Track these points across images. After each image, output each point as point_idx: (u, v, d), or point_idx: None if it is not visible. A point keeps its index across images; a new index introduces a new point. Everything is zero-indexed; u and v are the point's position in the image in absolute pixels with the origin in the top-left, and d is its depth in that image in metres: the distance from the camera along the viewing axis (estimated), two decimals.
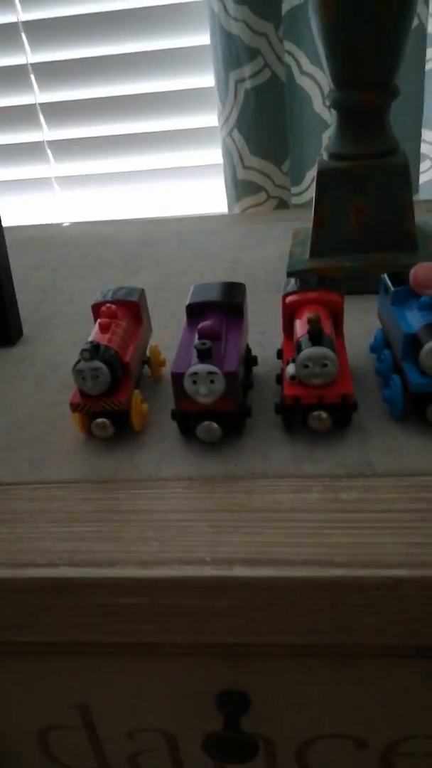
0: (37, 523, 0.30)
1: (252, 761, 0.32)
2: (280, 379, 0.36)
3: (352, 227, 0.47)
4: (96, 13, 0.73)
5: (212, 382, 0.31)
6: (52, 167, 0.84)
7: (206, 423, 0.32)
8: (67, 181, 0.84)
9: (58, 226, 0.79)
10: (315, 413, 0.32)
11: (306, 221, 0.51)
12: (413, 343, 0.31)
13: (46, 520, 0.30)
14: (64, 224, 0.85)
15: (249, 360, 0.38)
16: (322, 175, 0.46)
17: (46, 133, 0.81)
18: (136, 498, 0.30)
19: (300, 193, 0.74)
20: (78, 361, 0.32)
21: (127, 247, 0.65)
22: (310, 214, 0.49)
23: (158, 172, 0.82)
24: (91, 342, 0.33)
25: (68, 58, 0.76)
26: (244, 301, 0.37)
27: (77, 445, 0.34)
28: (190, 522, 0.29)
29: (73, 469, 0.33)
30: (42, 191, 0.85)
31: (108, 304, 0.36)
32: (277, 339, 0.43)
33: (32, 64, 0.77)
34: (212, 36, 0.67)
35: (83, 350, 0.32)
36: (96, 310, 0.37)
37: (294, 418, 0.33)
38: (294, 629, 0.27)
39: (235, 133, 0.70)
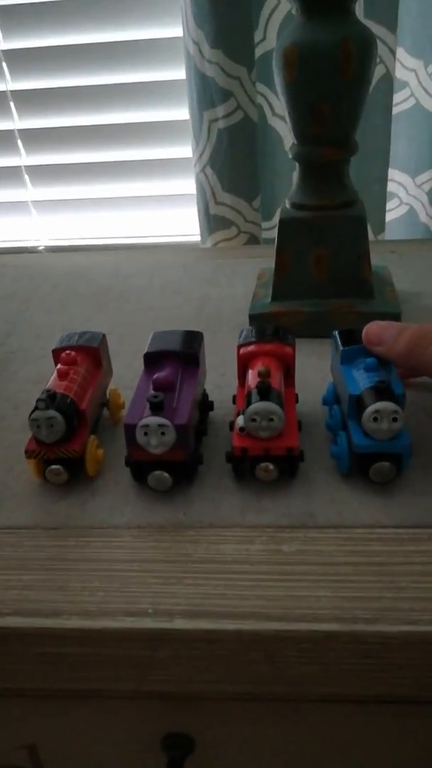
0: None
1: None
2: (232, 426, 0.37)
3: (312, 274, 0.49)
4: (76, 45, 0.75)
5: (163, 434, 0.32)
6: (30, 192, 0.85)
7: (157, 473, 0.33)
8: (44, 205, 0.86)
9: (31, 254, 0.80)
10: (262, 464, 0.33)
11: (273, 260, 0.53)
12: (358, 404, 0.33)
13: None
14: (40, 248, 0.86)
15: (205, 406, 0.39)
16: (283, 224, 0.48)
17: (24, 158, 0.83)
18: (85, 546, 0.31)
19: (271, 228, 0.76)
20: (33, 410, 0.33)
21: (98, 278, 0.66)
22: None
23: (135, 199, 0.83)
24: (48, 390, 0.34)
25: (49, 87, 0.77)
26: (200, 350, 0.38)
27: (32, 489, 0.35)
28: (136, 572, 0.30)
29: (27, 514, 0.34)
30: (19, 214, 0.87)
31: (67, 351, 0.37)
32: (236, 382, 0.44)
33: (12, 92, 0.78)
34: (187, 76, 0.69)
35: (39, 399, 0.33)
36: (56, 355, 0.38)
37: (243, 467, 0.34)
38: (233, 679, 0.28)
39: (208, 170, 0.72)
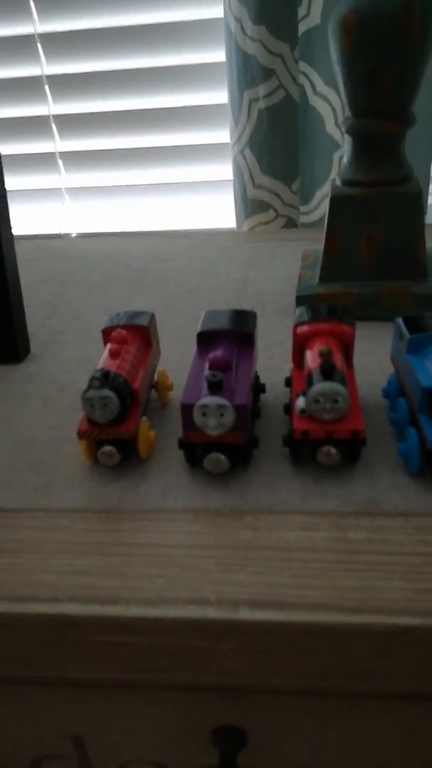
0: (40, 553, 0.29)
1: None
2: (288, 408, 0.35)
3: (363, 254, 0.47)
4: (112, 28, 0.73)
5: (222, 414, 0.30)
6: (63, 178, 0.84)
7: (214, 455, 0.32)
8: (77, 192, 0.85)
9: (66, 238, 0.79)
10: (324, 448, 0.31)
11: (313, 242, 0.51)
12: (431, 397, 0.30)
13: (49, 551, 0.29)
14: (72, 235, 0.85)
15: (257, 388, 0.38)
16: (334, 201, 0.46)
17: (58, 143, 0.81)
18: (140, 530, 0.30)
19: (309, 213, 0.74)
20: (87, 389, 0.31)
21: (135, 262, 0.64)
22: (318, 234, 0.49)
23: (168, 186, 0.82)
24: (101, 369, 0.32)
25: (83, 71, 0.76)
26: (254, 330, 0.36)
27: (82, 471, 0.34)
28: (195, 558, 0.28)
29: (78, 496, 0.32)
30: (52, 201, 0.86)
31: (118, 329, 0.36)
32: (285, 365, 0.43)
33: (47, 76, 0.77)
34: (228, 55, 0.68)
35: (93, 378, 0.31)
36: (106, 334, 0.37)
37: (302, 451, 0.33)
38: (298, 673, 0.27)
39: (247, 152, 0.70)
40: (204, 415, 0.30)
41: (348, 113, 0.45)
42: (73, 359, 0.46)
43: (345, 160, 0.47)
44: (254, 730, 0.33)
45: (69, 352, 0.47)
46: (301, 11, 0.64)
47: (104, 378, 0.31)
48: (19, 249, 0.48)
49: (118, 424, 0.32)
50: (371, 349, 0.44)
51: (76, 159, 0.82)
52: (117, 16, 0.73)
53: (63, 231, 0.87)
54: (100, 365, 0.33)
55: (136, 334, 0.37)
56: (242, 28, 0.64)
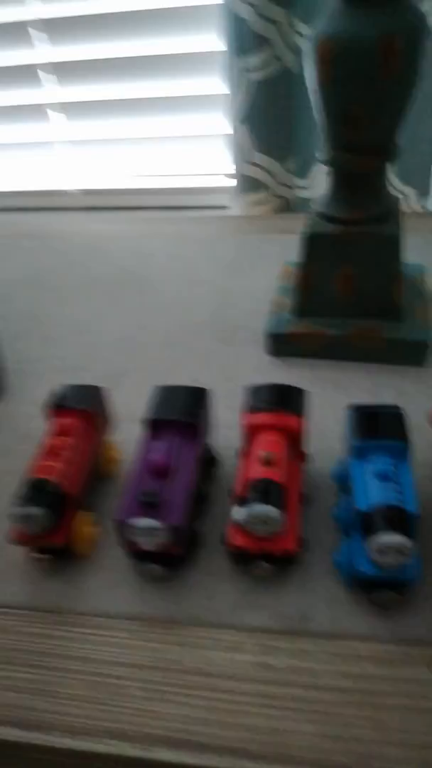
0: None
1: None
2: (231, 493, 0.35)
3: (339, 292, 0.44)
4: None
5: (156, 534, 0.30)
6: (54, 127, 0.78)
7: (149, 566, 0.32)
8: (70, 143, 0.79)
9: (54, 213, 0.76)
10: (256, 562, 0.31)
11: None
12: (364, 523, 0.29)
13: None
14: (71, 191, 0.80)
15: (209, 460, 0.37)
16: (310, 239, 0.43)
17: (48, 91, 0.75)
18: (78, 640, 0.31)
19: (306, 188, 0.69)
20: (16, 502, 0.31)
21: (118, 258, 0.63)
22: None
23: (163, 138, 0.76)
24: (33, 478, 0.32)
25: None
26: (203, 417, 0.35)
27: (24, 561, 0.34)
28: (124, 681, 0.29)
29: (20, 590, 0.33)
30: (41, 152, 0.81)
31: (61, 420, 0.35)
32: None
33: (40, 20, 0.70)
34: (224, 23, 0.60)
35: (19, 495, 0.31)
36: (50, 413, 0.36)
37: (239, 558, 0.33)
38: None
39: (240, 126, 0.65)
40: (135, 534, 0.30)
41: (325, 144, 0.41)
42: (42, 400, 0.45)
43: (323, 191, 0.43)
44: None
45: (40, 389, 0.46)
46: None
47: (35, 490, 0.31)
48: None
49: (48, 534, 0.32)
50: (335, 398, 0.43)
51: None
52: None
53: (50, 187, 0.82)
54: (35, 464, 0.33)
55: (81, 420, 0.35)
56: None
